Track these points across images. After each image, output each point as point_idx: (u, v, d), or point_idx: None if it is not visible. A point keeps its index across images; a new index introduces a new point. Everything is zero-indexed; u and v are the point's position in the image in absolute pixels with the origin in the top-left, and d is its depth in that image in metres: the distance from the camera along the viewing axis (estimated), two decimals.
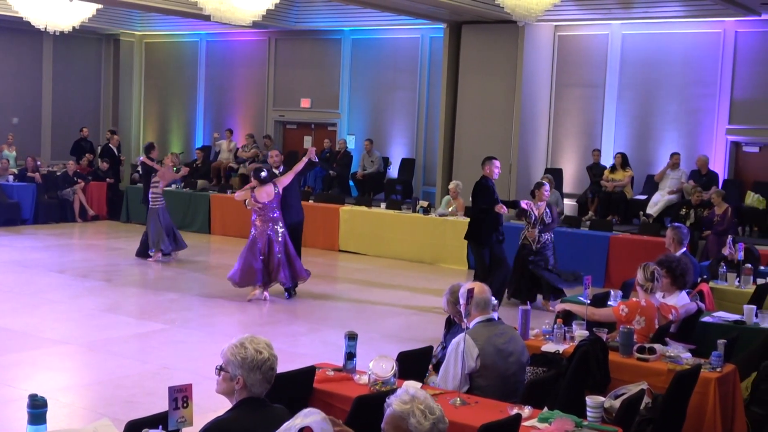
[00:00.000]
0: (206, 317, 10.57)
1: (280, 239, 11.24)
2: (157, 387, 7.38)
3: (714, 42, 16.15)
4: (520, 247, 11.82)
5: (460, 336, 5.30)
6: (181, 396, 3.61)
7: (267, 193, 11.13)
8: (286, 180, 11.33)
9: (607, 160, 16.68)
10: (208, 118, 22.85)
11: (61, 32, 15.94)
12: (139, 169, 13.57)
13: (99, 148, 22.12)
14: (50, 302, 11.07)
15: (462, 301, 5.21)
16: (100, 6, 17.18)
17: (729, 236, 11.30)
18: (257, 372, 3.72)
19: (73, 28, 15.86)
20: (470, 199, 11.40)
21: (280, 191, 11.26)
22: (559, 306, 7.26)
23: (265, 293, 11.35)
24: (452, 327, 6.17)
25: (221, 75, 22.52)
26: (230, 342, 3.78)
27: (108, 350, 8.75)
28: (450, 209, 15.31)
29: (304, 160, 11.46)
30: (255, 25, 17.55)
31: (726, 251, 10.38)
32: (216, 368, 3.79)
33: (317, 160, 11.72)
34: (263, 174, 11.20)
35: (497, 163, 11.44)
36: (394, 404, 3.31)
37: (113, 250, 15.57)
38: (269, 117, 21.77)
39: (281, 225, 11.28)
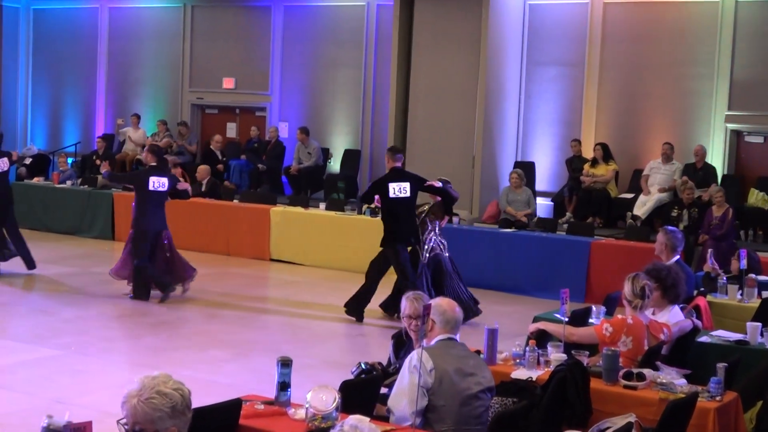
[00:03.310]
0: (108, 341, 10.46)
1: None
2: None
3: (711, 13, 16.39)
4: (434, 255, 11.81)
5: (415, 351, 5.36)
6: None
7: None
8: None
9: (588, 151, 16.83)
10: (111, 101, 22.62)
11: None
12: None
13: None
14: None
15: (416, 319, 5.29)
16: None
17: (710, 249, 11.48)
18: (187, 412, 3.72)
19: None
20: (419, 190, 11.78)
21: None
22: (533, 326, 7.30)
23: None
24: (405, 346, 6.20)
25: (126, 50, 22.30)
26: (135, 396, 3.67)
27: None
28: None
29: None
30: None
31: (708, 266, 10.52)
32: None
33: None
34: None
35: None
36: None
37: None
38: (185, 100, 21.62)
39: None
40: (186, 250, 16.28)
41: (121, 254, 12.68)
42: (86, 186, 18.55)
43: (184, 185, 13.13)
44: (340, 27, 19.67)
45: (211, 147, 19.53)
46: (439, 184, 11.77)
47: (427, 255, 11.75)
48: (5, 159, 13.56)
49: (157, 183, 12.28)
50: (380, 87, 19.03)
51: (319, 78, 20.01)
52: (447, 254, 11.86)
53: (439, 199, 11.88)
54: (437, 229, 11.87)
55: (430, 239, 11.78)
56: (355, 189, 18.71)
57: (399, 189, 11.53)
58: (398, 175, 11.71)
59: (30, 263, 13.80)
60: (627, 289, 6.82)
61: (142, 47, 22.11)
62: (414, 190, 11.64)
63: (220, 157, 19.48)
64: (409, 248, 11.75)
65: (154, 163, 12.49)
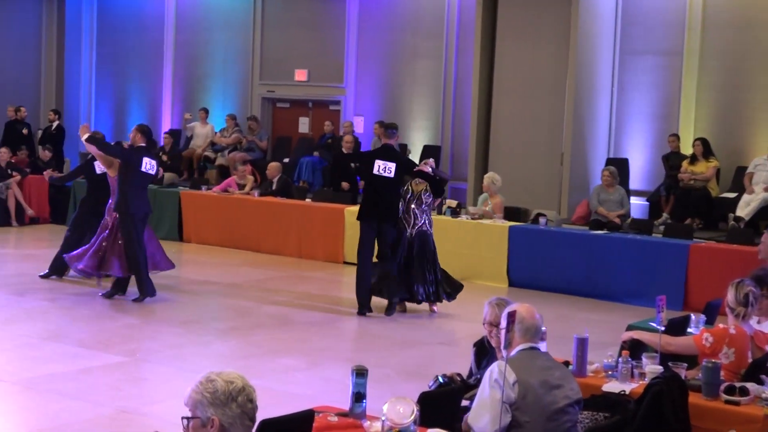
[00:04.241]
0: (175, 348, 10.57)
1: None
2: None
3: None
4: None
5: (495, 363, 5.33)
6: None
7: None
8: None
9: (687, 147, 16.64)
10: (178, 95, 22.91)
11: None
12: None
13: (39, 133, 22.16)
14: None
15: (502, 326, 5.25)
16: None
17: None
18: (232, 404, 3.76)
19: None
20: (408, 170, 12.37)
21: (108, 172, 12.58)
22: (626, 335, 7.23)
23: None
24: (488, 355, 6.18)
25: (194, 41, 22.57)
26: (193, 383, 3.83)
27: (51, 389, 8.76)
28: (486, 209, 15.27)
29: None
30: None
31: None
32: (182, 420, 3.80)
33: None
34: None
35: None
36: None
37: None
38: (255, 93, 21.81)
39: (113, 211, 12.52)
40: (256, 252, 16.51)
41: (92, 244, 12.54)
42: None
43: (160, 171, 13.53)
44: (419, 15, 19.68)
45: (343, 149, 18.51)
46: (429, 170, 12.20)
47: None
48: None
49: (149, 165, 12.47)
50: (462, 79, 19.00)
51: (397, 69, 20.03)
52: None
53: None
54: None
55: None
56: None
57: (384, 168, 12.01)
58: (387, 153, 12.18)
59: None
60: (730, 296, 6.73)
61: (211, 38, 22.35)
62: (399, 173, 12.09)
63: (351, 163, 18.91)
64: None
65: (144, 144, 12.52)
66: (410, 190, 12.39)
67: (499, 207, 15.30)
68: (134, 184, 12.34)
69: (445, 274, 12.56)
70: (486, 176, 15.48)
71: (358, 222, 12.39)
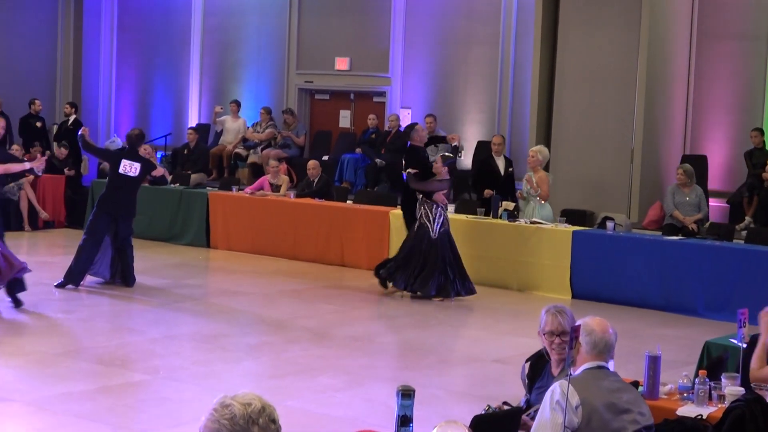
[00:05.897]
0: (202, 365, 10.62)
1: None
2: None
3: None
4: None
5: (557, 383, 5.30)
6: None
7: None
8: None
9: None
10: (206, 86, 23.02)
11: None
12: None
13: (55, 128, 22.32)
14: None
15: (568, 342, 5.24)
16: None
17: None
18: (254, 428, 3.77)
19: None
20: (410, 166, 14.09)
21: None
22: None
23: None
24: (543, 375, 6.15)
25: (224, 26, 22.68)
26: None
27: (66, 410, 8.82)
28: (527, 189, 15.06)
29: (25, 165, 13.05)
30: None
31: None
32: None
33: (40, 174, 13.44)
34: None
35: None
36: None
37: None
38: (291, 84, 21.87)
39: None
40: (291, 260, 16.52)
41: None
42: (177, 184, 18.82)
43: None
44: None
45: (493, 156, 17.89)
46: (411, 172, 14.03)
47: (438, 229, 13.96)
48: (138, 165, 14.14)
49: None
50: (520, 67, 18.96)
51: (448, 57, 20.02)
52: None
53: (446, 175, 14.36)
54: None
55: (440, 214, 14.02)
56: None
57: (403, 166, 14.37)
58: (407, 152, 14.52)
59: (126, 280, 14.14)
60: None
61: (243, 23, 22.44)
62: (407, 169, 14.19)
63: (502, 171, 17.11)
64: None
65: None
66: None
67: (545, 182, 15.05)
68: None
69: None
70: (532, 149, 15.33)
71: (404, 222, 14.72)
